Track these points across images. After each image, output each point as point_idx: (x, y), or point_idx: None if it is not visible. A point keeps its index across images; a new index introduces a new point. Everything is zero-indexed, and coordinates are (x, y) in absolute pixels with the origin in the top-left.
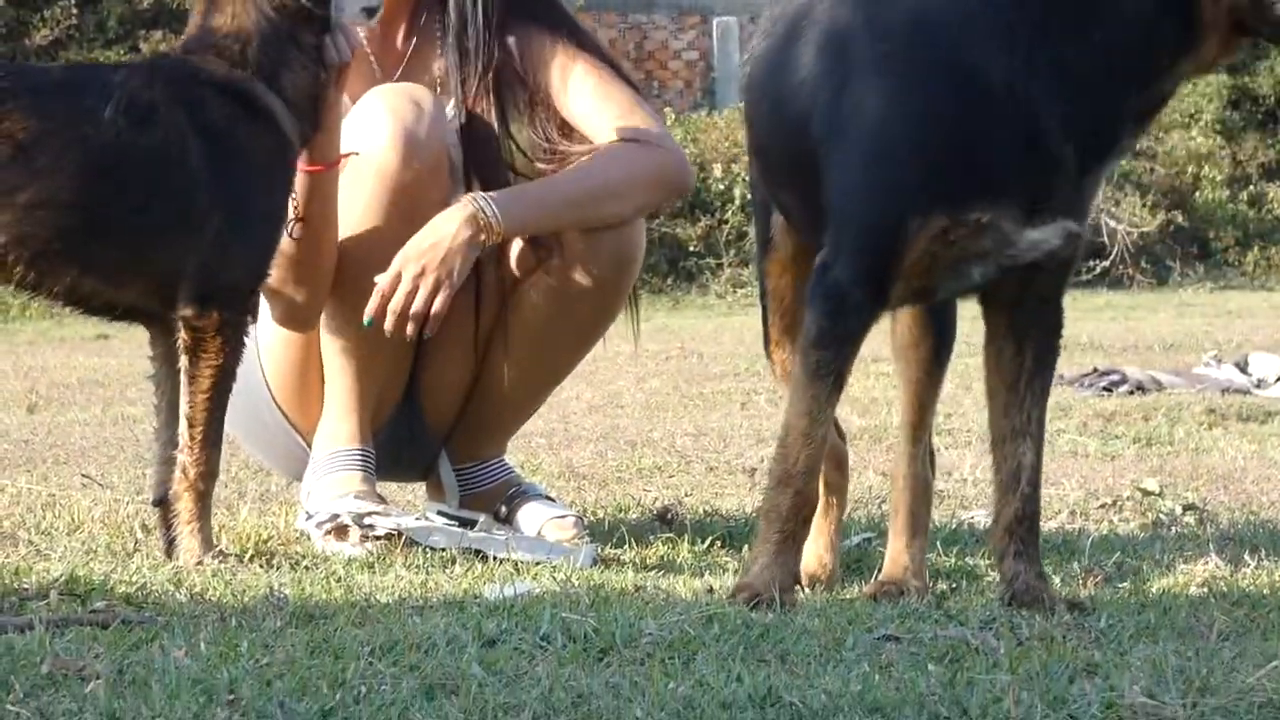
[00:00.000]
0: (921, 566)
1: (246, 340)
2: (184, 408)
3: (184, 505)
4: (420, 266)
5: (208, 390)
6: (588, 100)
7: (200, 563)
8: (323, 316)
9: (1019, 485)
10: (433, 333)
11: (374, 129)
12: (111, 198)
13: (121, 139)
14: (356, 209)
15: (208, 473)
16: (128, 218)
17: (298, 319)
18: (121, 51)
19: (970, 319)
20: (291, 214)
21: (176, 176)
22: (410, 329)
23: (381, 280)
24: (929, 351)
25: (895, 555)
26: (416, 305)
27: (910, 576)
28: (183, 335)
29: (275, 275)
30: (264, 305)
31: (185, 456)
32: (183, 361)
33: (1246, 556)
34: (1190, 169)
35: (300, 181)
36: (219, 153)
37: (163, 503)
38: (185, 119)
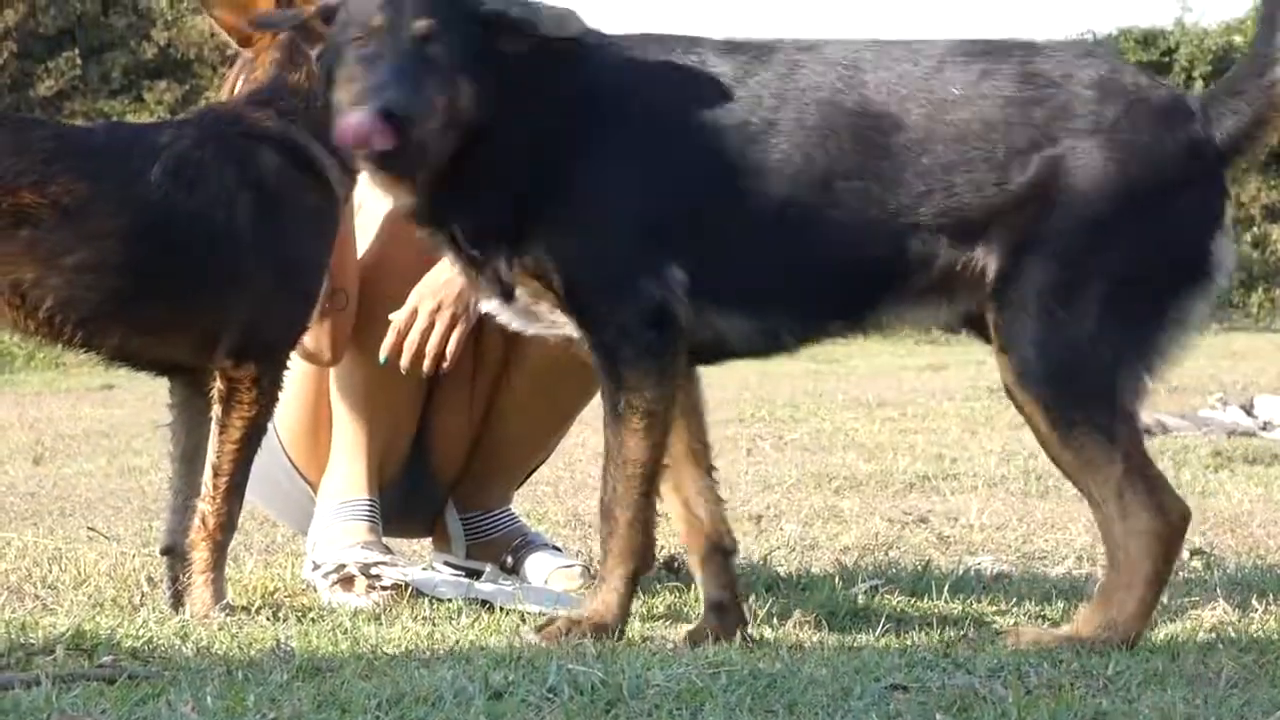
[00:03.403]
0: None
1: (279, 394)
2: (211, 456)
3: (200, 555)
4: (436, 302)
5: (238, 441)
6: None
7: (207, 616)
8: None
9: None
10: (450, 369)
11: None
12: (161, 260)
13: (170, 201)
14: (371, 249)
15: (227, 524)
16: (177, 278)
17: (321, 353)
18: (126, 102)
19: (976, 363)
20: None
21: (225, 236)
22: (426, 365)
23: (397, 317)
24: None
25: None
26: (433, 340)
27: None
28: (218, 385)
29: None
30: None
31: (206, 506)
32: (215, 411)
33: (1254, 601)
34: None
35: None
36: (269, 209)
37: (171, 551)
38: (235, 177)
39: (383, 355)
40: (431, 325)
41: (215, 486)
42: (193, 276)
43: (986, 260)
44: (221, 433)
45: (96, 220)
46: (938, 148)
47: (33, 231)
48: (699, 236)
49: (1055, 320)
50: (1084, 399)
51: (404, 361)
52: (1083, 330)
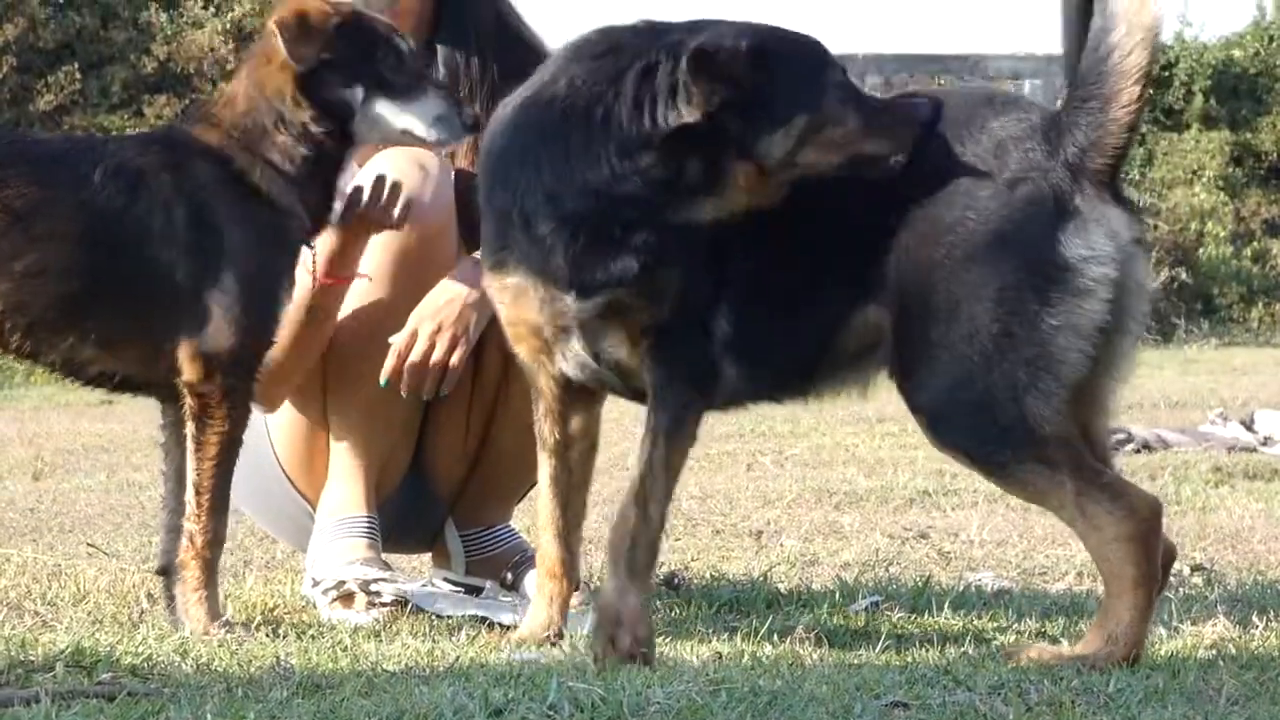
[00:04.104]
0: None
1: (252, 407)
2: (190, 475)
3: (191, 573)
4: (436, 323)
5: (214, 457)
6: None
7: (206, 633)
8: (331, 383)
9: None
10: (450, 390)
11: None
12: (105, 264)
13: (113, 205)
14: (370, 269)
15: (214, 540)
16: (121, 284)
17: (265, 398)
18: (125, 116)
19: None
20: (318, 269)
21: (166, 242)
22: (428, 387)
23: (397, 340)
24: None
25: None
26: (434, 361)
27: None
28: (189, 402)
29: None
30: None
31: (192, 524)
32: (189, 428)
33: (1255, 618)
34: (1194, 225)
35: (314, 289)
36: (206, 219)
37: (166, 572)
38: (172, 185)
39: (383, 378)
40: (432, 347)
41: (199, 504)
42: (136, 283)
43: (882, 318)
44: (198, 450)
45: (44, 224)
46: (827, 198)
47: None
48: (740, 284)
49: (942, 365)
50: (1002, 437)
51: (404, 385)
52: (972, 367)
